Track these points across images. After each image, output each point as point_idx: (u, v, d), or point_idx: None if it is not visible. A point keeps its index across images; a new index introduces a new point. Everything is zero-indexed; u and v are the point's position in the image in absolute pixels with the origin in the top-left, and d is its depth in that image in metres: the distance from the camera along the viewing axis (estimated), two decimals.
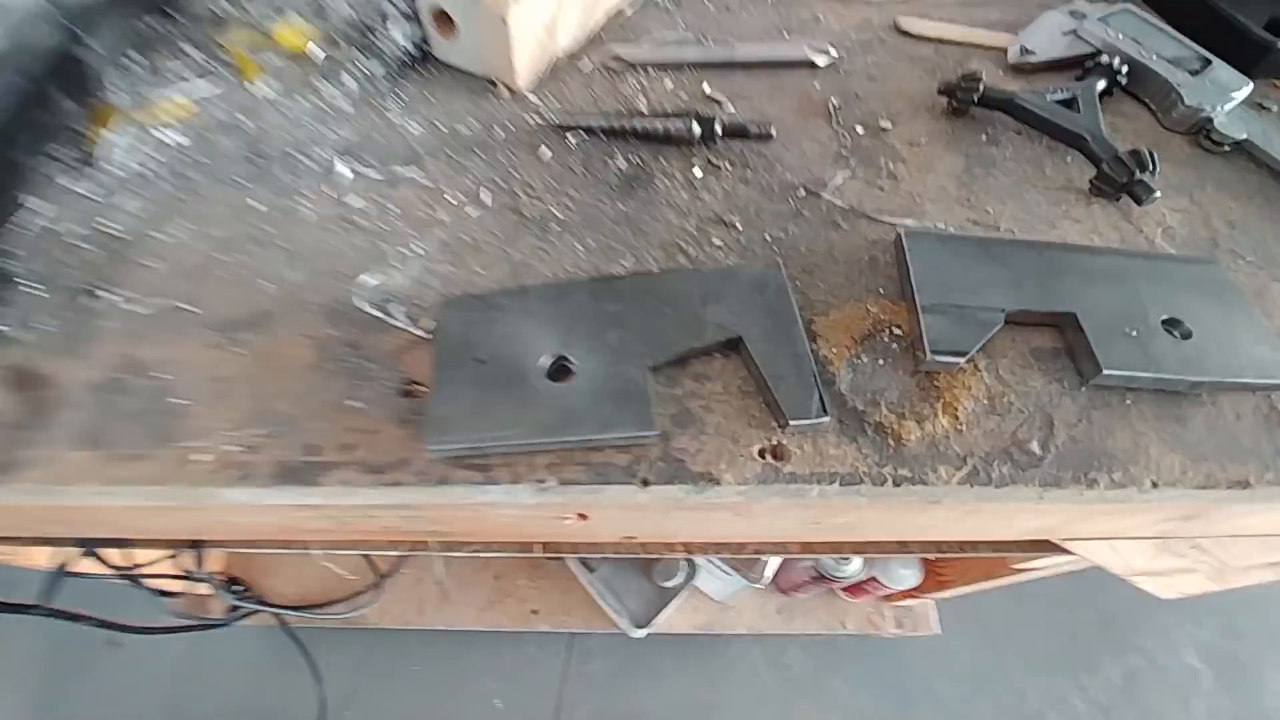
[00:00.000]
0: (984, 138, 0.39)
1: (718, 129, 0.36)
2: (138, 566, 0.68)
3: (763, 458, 0.26)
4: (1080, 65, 0.41)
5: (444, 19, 0.38)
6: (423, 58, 0.41)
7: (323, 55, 0.41)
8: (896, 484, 0.26)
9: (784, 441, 0.27)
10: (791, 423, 0.26)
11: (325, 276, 0.31)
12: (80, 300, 0.31)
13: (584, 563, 1.13)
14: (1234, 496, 0.28)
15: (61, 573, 0.64)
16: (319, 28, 0.42)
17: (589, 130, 0.37)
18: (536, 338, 0.28)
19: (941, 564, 1.06)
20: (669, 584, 1.11)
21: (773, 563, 1.07)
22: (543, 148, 0.37)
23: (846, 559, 1.07)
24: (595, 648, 1.31)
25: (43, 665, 1.13)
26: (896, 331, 0.30)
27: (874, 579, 1.09)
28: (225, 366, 0.29)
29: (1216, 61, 0.40)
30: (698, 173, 0.36)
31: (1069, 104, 0.38)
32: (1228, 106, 0.38)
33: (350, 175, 0.35)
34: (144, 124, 0.37)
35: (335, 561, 1.16)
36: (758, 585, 1.10)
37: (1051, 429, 0.28)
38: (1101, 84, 0.39)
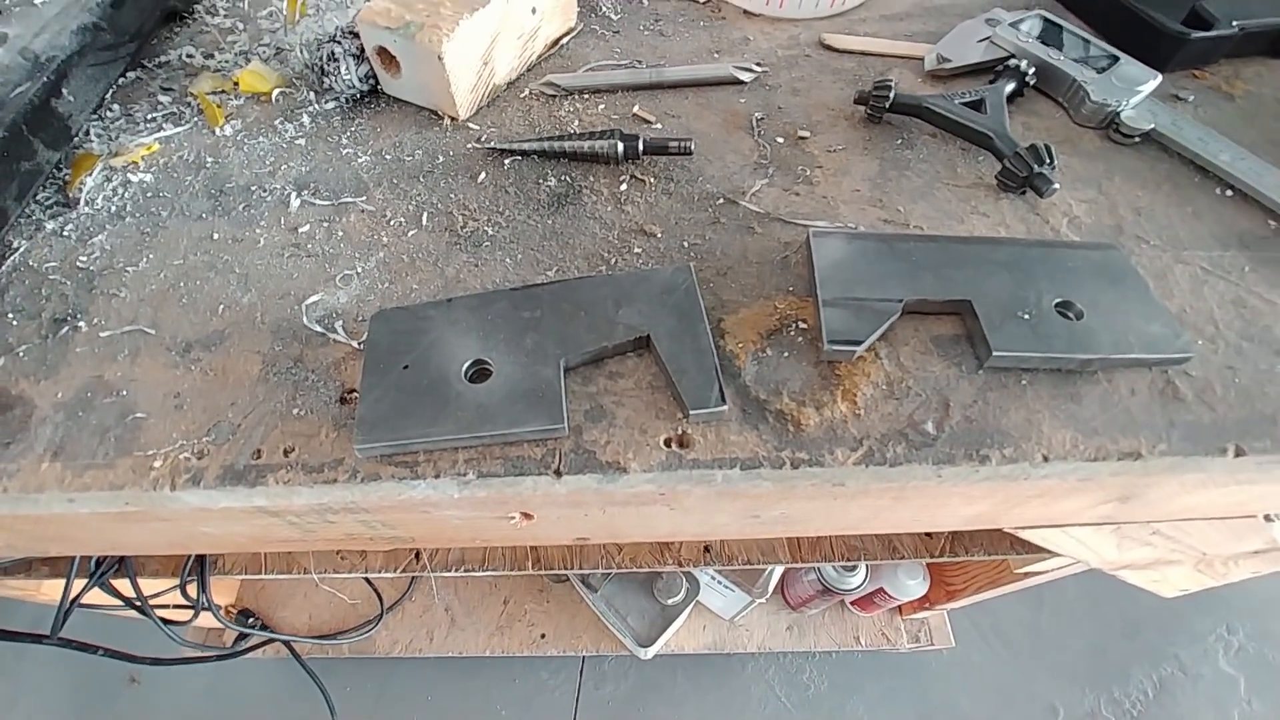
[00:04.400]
0: (899, 142, 0.41)
1: (640, 146, 0.38)
2: (147, 598, 0.70)
3: (668, 446, 0.28)
4: (993, 70, 0.43)
5: (388, 57, 0.41)
6: (373, 93, 0.44)
7: (283, 97, 0.44)
8: (794, 466, 0.28)
9: (688, 431, 0.28)
10: (692, 412, 0.28)
11: (274, 298, 0.34)
12: (54, 328, 0.34)
13: (585, 582, 1.14)
14: (1131, 468, 0.29)
15: (72, 604, 0.66)
16: (280, 72, 0.45)
17: (524, 153, 0.40)
18: (458, 344, 0.30)
19: (948, 572, 1.06)
20: (671, 601, 1.11)
21: (774, 576, 1.07)
22: (481, 172, 0.39)
23: (852, 569, 1.07)
24: (608, 672, 1.31)
25: (66, 703, 1.16)
26: (803, 326, 0.32)
27: (882, 590, 1.09)
28: (181, 382, 0.32)
29: (1124, 58, 0.42)
30: (624, 188, 0.38)
31: (977, 106, 0.40)
32: (1134, 100, 0.40)
33: (301, 205, 0.38)
34: (118, 167, 0.41)
35: (339, 587, 1.19)
36: (761, 600, 1.10)
37: (947, 410, 0.29)
38: (1010, 86, 0.41)
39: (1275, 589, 1.27)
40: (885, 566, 1.04)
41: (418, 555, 0.74)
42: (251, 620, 1.09)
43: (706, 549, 0.72)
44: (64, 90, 0.41)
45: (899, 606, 1.16)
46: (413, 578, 1.19)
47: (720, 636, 1.18)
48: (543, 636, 1.18)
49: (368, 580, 1.12)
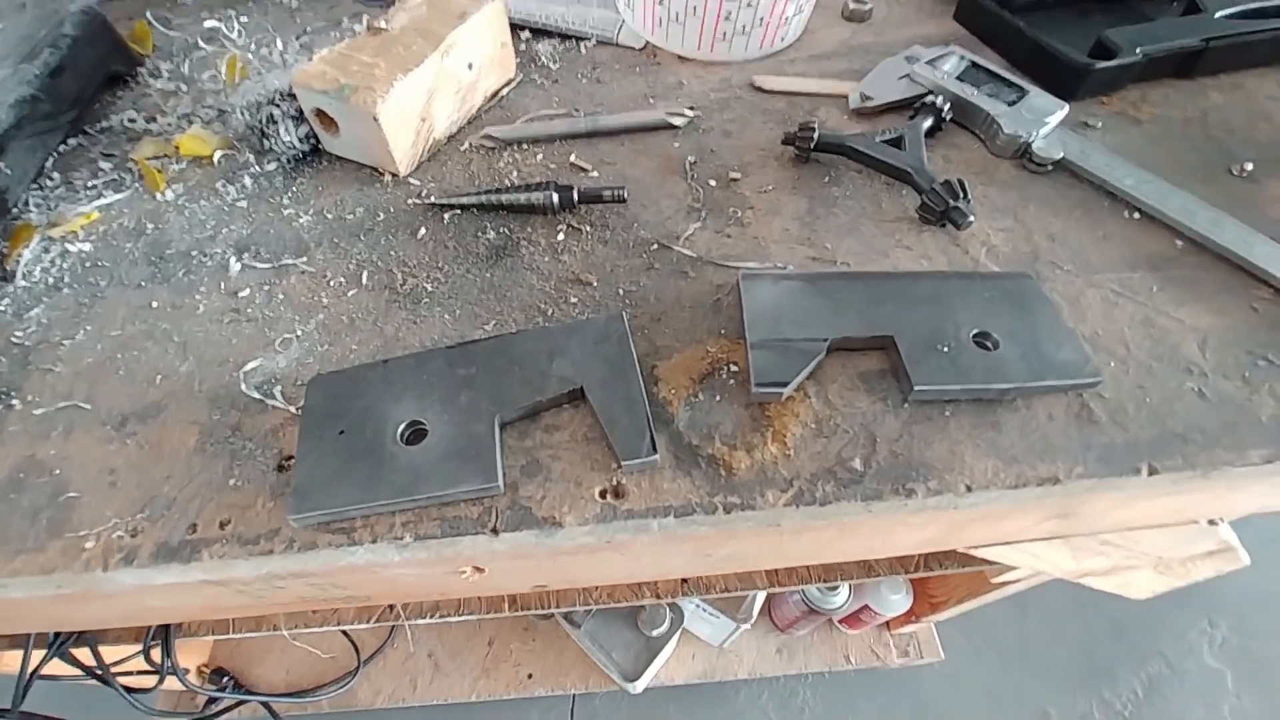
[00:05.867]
0: (827, 179, 0.42)
1: (575, 196, 0.39)
2: (109, 666, 0.68)
3: (603, 498, 0.29)
4: (913, 106, 0.45)
5: (326, 118, 0.42)
6: (315, 151, 0.45)
7: (224, 159, 0.45)
8: (727, 511, 0.28)
9: (623, 481, 0.29)
10: (624, 463, 0.29)
11: (212, 365, 0.34)
12: None
13: (568, 618, 1.12)
14: (1052, 493, 0.30)
15: (32, 676, 0.64)
16: (221, 134, 0.46)
17: (463, 207, 0.41)
18: (394, 406, 0.30)
19: (929, 584, 1.07)
20: (656, 633, 1.10)
21: (757, 600, 1.07)
22: (420, 227, 0.40)
23: (834, 588, 1.07)
24: (599, 708, 1.29)
25: None
26: (734, 368, 0.33)
27: (867, 606, 1.09)
28: (116, 458, 0.31)
29: (1034, 90, 0.44)
30: (560, 237, 0.39)
31: (897, 143, 0.41)
32: (1044, 130, 0.42)
33: (242, 269, 0.38)
34: (56, 237, 0.41)
35: (314, 642, 1.16)
36: (747, 625, 1.09)
37: (874, 446, 0.30)
38: (928, 122, 0.43)
39: (1252, 583, 1.30)
40: (868, 584, 1.04)
41: (391, 605, 0.73)
42: (225, 680, 1.06)
43: (684, 580, 0.72)
44: (1, 163, 0.41)
45: (886, 622, 1.16)
46: (392, 626, 1.17)
47: (710, 664, 1.17)
48: (530, 676, 1.16)
49: (344, 632, 1.09)
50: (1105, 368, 0.33)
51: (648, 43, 0.53)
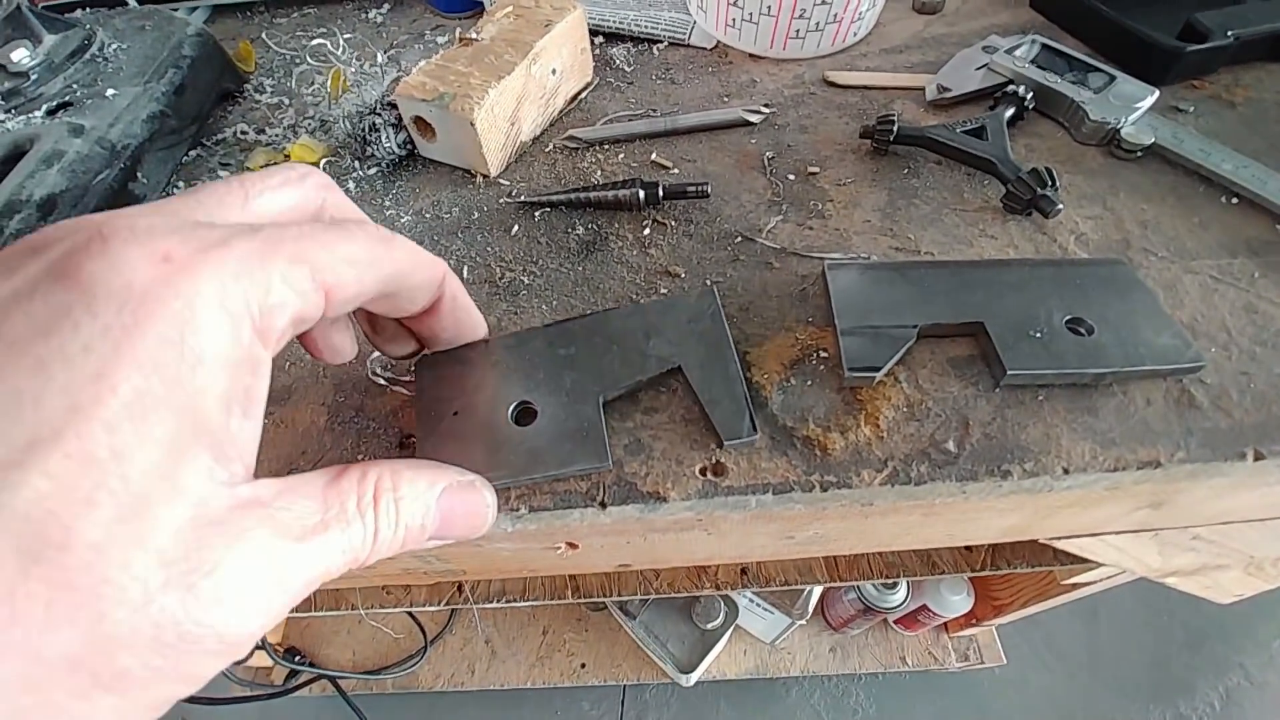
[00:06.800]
0: (906, 171, 0.43)
1: (659, 192, 0.41)
2: None
3: (703, 475, 0.30)
4: (993, 96, 0.45)
5: (424, 125, 0.45)
6: (410, 156, 0.48)
7: (329, 166, 0.48)
8: (824, 489, 0.29)
9: (722, 460, 0.30)
10: (726, 442, 0.30)
11: None
12: None
13: (624, 609, 1.14)
14: (1152, 476, 0.30)
15: None
16: (325, 143, 0.49)
17: (552, 205, 0.43)
18: (502, 386, 0.32)
19: (992, 586, 1.05)
20: (710, 626, 1.11)
21: (813, 596, 1.06)
22: (514, 225, 0.43)
23: (892, 586, 1.06)
24: (650, 700, 1.31)
25: None
26: (824, 355, 0.34)
27: (925, 607, 1.08)
28: None
29: (1121, 76, 0.44)
30: (647, 232, 0.41)
31: (978, 133, 0.42)
32: (1133, 116, 0.41)
33: None
34: None
35: (383, 622, 1.21)
36: (801, 621, 1.09)
37: (967, 429, 0.31)
38: (1010, 111, 0.43)
39: None
40: (927, 583, 1.03)
41: (460, 588, 0.76)
42: (299, 658, 1.13)
43: (743, 571, 0.73)
44: (139, 174, 0.45)
45: (945, 624, 1.14)
46: (452, 611, 1.21)
47: (762, 660, 1.18)
48: (583, 666, 1.19)
49: (411, 614, 1.14)
50: (1206, 354, 0.32)
51: (719, 42, 0.54)
